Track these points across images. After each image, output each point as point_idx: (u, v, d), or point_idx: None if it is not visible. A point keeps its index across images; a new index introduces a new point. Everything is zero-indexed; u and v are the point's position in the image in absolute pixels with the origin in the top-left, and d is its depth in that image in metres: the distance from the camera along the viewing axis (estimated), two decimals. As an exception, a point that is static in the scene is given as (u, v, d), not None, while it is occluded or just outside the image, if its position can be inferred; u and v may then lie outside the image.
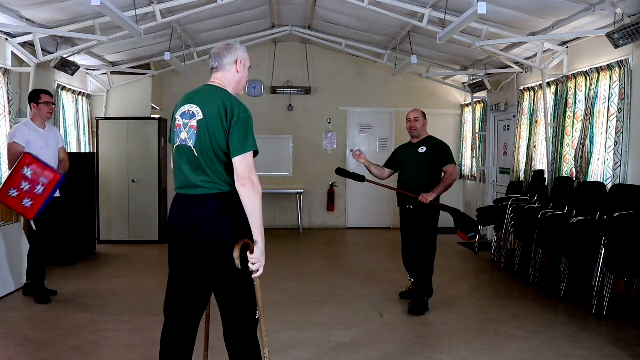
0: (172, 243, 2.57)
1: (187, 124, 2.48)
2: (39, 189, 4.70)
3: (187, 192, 2.49)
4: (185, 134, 2.48)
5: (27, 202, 4.68)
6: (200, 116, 2.46)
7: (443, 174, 4.76)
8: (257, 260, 2.38)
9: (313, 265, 6.81)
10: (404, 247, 4.96)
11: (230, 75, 2.59)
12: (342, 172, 5.03)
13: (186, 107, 2.52)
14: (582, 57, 6.07)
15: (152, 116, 8.32)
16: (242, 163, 2.38)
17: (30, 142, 4.77)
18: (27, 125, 4.87)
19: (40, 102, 4.89)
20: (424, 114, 4.91)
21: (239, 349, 2.53)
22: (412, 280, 4.96)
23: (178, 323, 2.55)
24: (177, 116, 2.54)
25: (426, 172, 4.73)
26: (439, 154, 4.76)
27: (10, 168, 4.77)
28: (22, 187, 4.64)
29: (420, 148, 4.81)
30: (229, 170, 2.43)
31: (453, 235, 8.72)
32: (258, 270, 2.40)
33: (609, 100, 5.48)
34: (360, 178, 4.96)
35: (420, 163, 4.76)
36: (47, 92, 5.01)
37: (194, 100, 2.52)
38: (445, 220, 4.84)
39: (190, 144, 2.46)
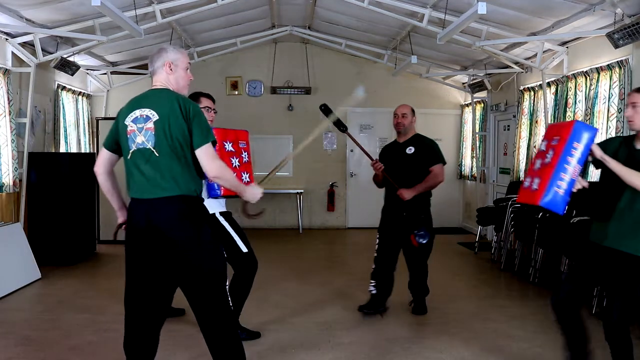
0: (132, 246, 2.61)
1: (143, 127, 2.53)
2: (244, 155, 4.01)
3: (147, 196, 2.54)
4: (142, 137, 2.53)
5: (246, 177, 3.98)
6: (155, 117, 2.52)
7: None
8: (252, 196, 2.75)
9: (313, 265, 6.81)
10: (382, 252, 4.63)
11: (164, 77, 2.67)
12: (328, 111, 4.44)
13: (137, 112, 2.57)
14: (582, 57, 6.07)
15: (152, 116, 8.31)
16: (206, 153, 2.53)
17: None
18: None
19: (201, 106, 4.09)
20: (412, 111, 4.62)
21: (218, 343, 2.59)
22: (375, 292, 4.66)
23: (141, 327, 2.63)
24: (128, 122, 2.58)
25: (409, 176, 4.46)
26: (425, 154, 4.51)
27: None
28: (234, 165, 3.87)
29: (408, 149, 4.55)
30: (189, 169, 2.54)
31: (453, 235, 8.77)
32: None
33: (609, 100, 5.48)
34: (342, 127, 4.53)
35: (406, 165, 4.50)
36: (208, 96, 4.09)
37: (144, 104, 2.58)
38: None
39: (150, 145, 2.52)
